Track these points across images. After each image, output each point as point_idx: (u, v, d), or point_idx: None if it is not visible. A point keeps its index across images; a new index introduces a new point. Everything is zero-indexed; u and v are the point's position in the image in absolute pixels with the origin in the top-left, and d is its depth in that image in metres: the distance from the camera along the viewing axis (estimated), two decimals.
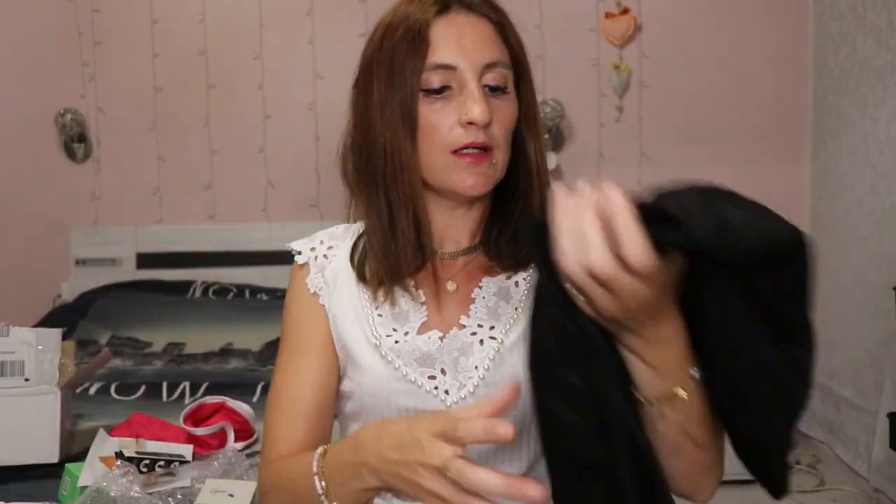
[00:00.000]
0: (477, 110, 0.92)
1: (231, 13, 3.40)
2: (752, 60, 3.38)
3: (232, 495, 1.34)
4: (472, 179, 0.94)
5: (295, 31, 3.39)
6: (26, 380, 1.53)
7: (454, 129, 0.94)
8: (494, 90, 0.95)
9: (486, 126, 0.93)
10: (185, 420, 1.69)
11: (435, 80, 0.94)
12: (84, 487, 1.37)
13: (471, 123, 0.93)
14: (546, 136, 3.30)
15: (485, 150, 0.94)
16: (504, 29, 0.98)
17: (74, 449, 1.64)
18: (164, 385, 2.24)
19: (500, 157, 0.96)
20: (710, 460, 0.86)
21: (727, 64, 3.38)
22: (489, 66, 0.94)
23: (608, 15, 3.32)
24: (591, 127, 3.42)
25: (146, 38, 3.36)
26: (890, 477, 2.77)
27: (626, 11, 3.32)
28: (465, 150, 0.94)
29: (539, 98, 1.12)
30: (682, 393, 0.77)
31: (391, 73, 0.95)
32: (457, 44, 0.94)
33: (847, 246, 3.09)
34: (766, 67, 3.39)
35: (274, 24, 3.39)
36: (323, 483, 0.87)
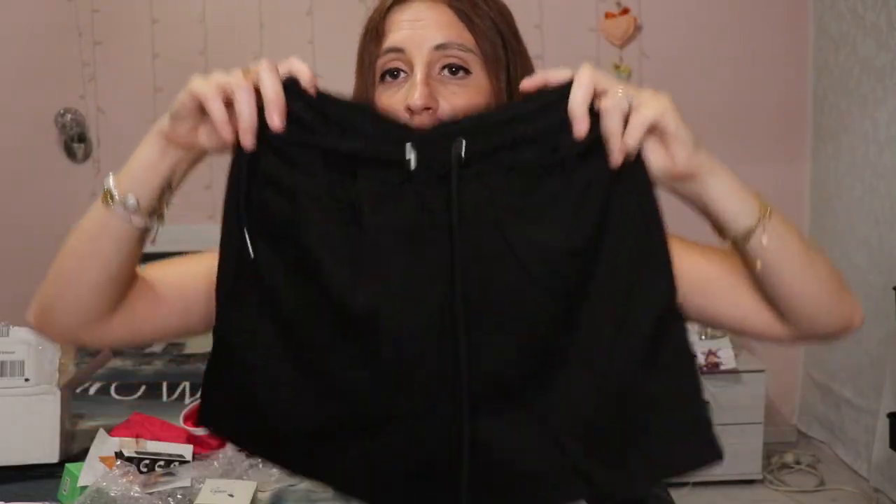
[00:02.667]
0: (414, 95, 0.87)
1: (231, 13, 3.40)
2: (753, 60, 3.38)
3: (232, 495, 1.34)
4: None
5: (295, 31, 3.39)
6: (26, 380, 1.53)
7: (403, 114, 0.89)
8: (455, 73, 0.90)
9: (431, 110, 0.88)
10: (185, 420, 1.69)
11: (386, 64, 0.91)
12: (84, 487, 1.37)
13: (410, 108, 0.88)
14: None
15: None
16: (466, 14, 0.92)
17: (74, 449, 1.64)
18: (164, 385, 2.24)
19: None
20: (836, 272, 0.86)
21: (727, 64, 3.38)
22: (440, 48, 0.89)
23: (608, 15, 3.32)
24: None
25: (146, 38, 3.36)
26: (890, 477, 2.77)
27: (626, 11, 3.32)
28: None
29: None
30: (767, 205, 0.79)
31: (360, 65, 0.95)
32: (409, 28, 0.90)
33: (847, 246, 3.09)
34: (766, 67, 3.39)
35: (274, 24, 3.39)
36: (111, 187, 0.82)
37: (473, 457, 0.78)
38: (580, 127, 0.74)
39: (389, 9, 0.93)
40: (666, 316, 0.78)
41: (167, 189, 0.82)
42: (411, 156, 0.75)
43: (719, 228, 0.81)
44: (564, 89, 0.74)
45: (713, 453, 0.79)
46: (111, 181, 0.82)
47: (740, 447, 2.96)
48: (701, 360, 2.96)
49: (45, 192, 3.38)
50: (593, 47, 3.35)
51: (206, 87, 0.77)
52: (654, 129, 0.75)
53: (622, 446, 0.79)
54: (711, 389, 2.95)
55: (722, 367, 2.95)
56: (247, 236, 0.78)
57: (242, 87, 0.76)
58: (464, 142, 0.75)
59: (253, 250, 0.79)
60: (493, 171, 0.75)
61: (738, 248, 0.82)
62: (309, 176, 0.77)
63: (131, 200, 0.81)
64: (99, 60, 3.36)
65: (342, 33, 3.39)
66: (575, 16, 3.29)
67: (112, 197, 0.81)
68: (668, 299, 0.78)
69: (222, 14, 3.39)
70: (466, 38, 0.90)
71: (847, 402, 3.09)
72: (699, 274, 0.88)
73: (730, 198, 0.79)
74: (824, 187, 3.29)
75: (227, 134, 0.77)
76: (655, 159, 0.77)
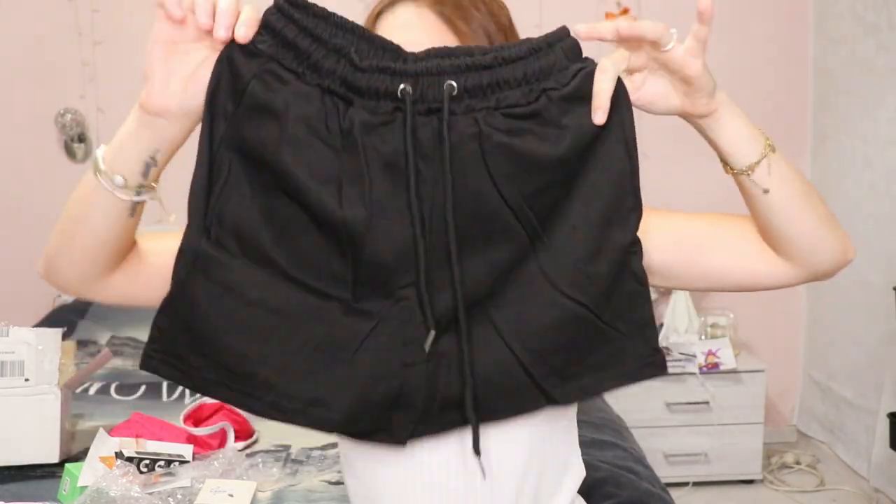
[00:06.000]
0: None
1: None
2: (752, 60, 3.38)
3: (232, 495, 1.34)
4: None
5: None
6: (26, 380, 1.53)
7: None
8: None
9: None
10: (185, 420, 1.70)
11: None
12: (84, 487, 1.37)
13: None
14: None
15: None
16: (451, 19, 0.92)
17: (74, 449, 1.65)
18: (164, 385, 2.23)
19: None
20: (830, 211, 0.92)
21: (727, 64, 3.38)
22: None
23: (608, 15, 3.32)
24: None
25: (146, 38, 3.35)
26: (890, 477, 2.77)
27: (626, 11, 3.32)
28: None
29: None
30: (770, 143, 0.86)
31: None
32: (398, 33, 0.89)
33: None
34: (766, 67, 3.39)
35: None
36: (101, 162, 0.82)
37: (436, 369, 0.83)
38: (599, 113, 0.80)
39: (379, 15, 0.95)
40: (630, 246, 0.84)
41: (151, 163, 0.83)
42: (407, 88, 0.78)
43: (724, 160, 0.86)
44: (554, 37, 0.83)
45: (658, 368, 0.88)
46: (100, 152, 0.83)
47: (740, 447, 2.96)
48: (701, 360, 2.95)
49: (45, 192, 3.38)
50: (593, 47, 3.34)
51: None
52: (678, 72, 0.81)
53: (576, 362, 0.86)
54: (711, 389, 2.95)
55: (722, 367, 2.95)
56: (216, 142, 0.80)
57: (225, 7, 0.77)
58: (454, 83, 0.79)
59: (228, 164, 0.81)
60: (482, 108, 0.80)
61: (740, 180, 0.87)
62: (303, 98, 0.79)
63: (118, 179, 0.82)
64: (99, 60, 3.36)
65: None
66: (575, 16, 3.28)
67: (99, 170, 0.82)
68: (634, 230, 0.84)
69: None
70: (451, 42, 0.91)
71: (847, 402, 3.09)
72: (698, 230, 0.93)
73: (737, 137, 0.85)
74: (824, 187, 3.29)
75: (206, 18, 0.77)
76: (672, 99, 0.83)
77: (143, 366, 0.85)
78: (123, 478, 1.32)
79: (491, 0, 0.97)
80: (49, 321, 2.88)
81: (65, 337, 1.61)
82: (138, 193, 0.83)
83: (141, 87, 0.80)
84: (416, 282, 0.81)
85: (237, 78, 0.78)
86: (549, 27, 0.88)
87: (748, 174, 0.85)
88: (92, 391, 2.19)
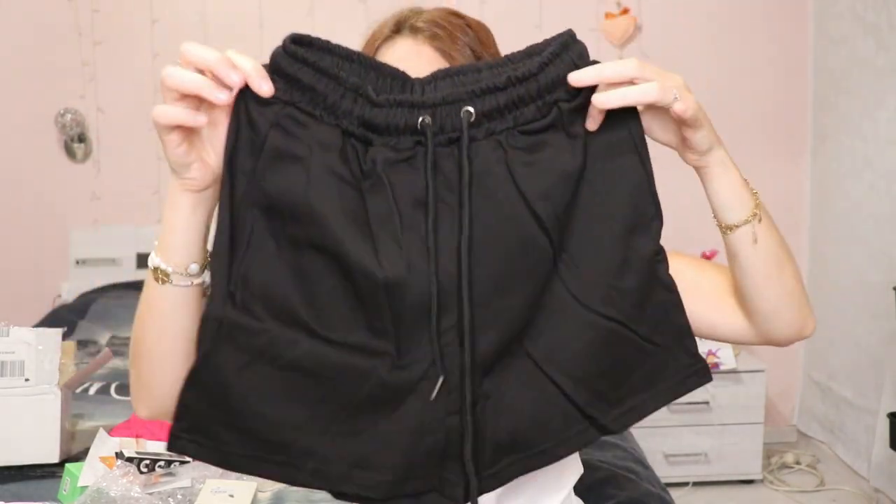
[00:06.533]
0: None
1: (231, 13, 3.40)
2: (752, 60, 3.38)
3: (232, 495, 1.34)
4: None
5: (295, 32, 3.39)
6: (26, 380, 1.53)
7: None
8: None
9: None
10: None
11: None
12: (84, 487, 1.37)
13: None
14: None
15: None
16: (446, 51, 0.96)
17: (74, 449, 1.65)
18: None
19: None
20: (801, 279, 0.93)
21: (727, 64, 3.38)
22: None
23: (608, 15, 3.32)
24: None
25: (146, 38, 3.36)
26: (890, 477, 2.77)
27: (626, 11, 3.32)
28: None
29: None
30: (758, 201, 0.87)
31: None
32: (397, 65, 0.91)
33: (847, 246, 3.09)
34: (766, 67, 3.39)
35: (274, 24, 3.39)
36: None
37: (483, 414, 0.79)
38: (593, 116, 0.78)
39: (378, 49, 0.98)
40: (656, 256, 0.82)
41: (207, 231, 0.81)
42: (426, 119, 0.76)
43: (713, 209, 0.88)
44: (560, 45, 0.78)
45: (702, 377, 0.85)
46: (157, 261, 0.80)
47: (740, 447, 2.96)
48: None
49: (45, 192, 3.38)
50: (593, 47, 3.32)
51: (174, 83, 0.73)
52: (680, 120, 0.80)
53: (620, 383, 0.82)
54: (711, 389, 2.95)
55: (722, 367, 2.95)
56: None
57: (218, 60, 0.73)
58: (472, 110, 0.77)
59: (252, 223, 0.76)
60: (503, 130, 0.78)
61: (722, 232, 0.89)
62: (324, 140, 0.76)
63: (192, 268, 0.80)
64: (99, 60, 3.36)
65: (342, 33, 3.39)
66: (575, 16, 3.29)
67: (167, 274, 0.79)
68: (658, 238, 0.82)
69: (222, 14, 3.39)
70: None
71: (847, 402, 3.09)
72: (678, 271, 0.91)
73: (723, 198, 0.86)
74: (824, 187, 3.29)
75: (230, 82, 0.73)
76: (670, 135, 0.84)
77: (171, 447, 0.78)
78: (123, 478, 1.31)
79: (478, 27, 1.01)
80: (49, 321, 2.88)
81: (65, 337, 1.61)
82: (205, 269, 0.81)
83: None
84: (457, 324, 0.76)
85: (255, 130, 0.75)
86: (549, 27, 0.87)
87: (726, 233, 0.88)
88: (92, 391, 2.19)
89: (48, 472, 1.53)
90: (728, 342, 0.99)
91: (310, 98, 0.76)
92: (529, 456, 0.81)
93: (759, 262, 0.88)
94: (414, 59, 0.95)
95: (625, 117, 0.80)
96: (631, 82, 0.76)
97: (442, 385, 0.77)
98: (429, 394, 0.77)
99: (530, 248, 0.78)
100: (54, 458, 1.55)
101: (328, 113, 0.76)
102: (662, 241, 0.83)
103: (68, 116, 3.34)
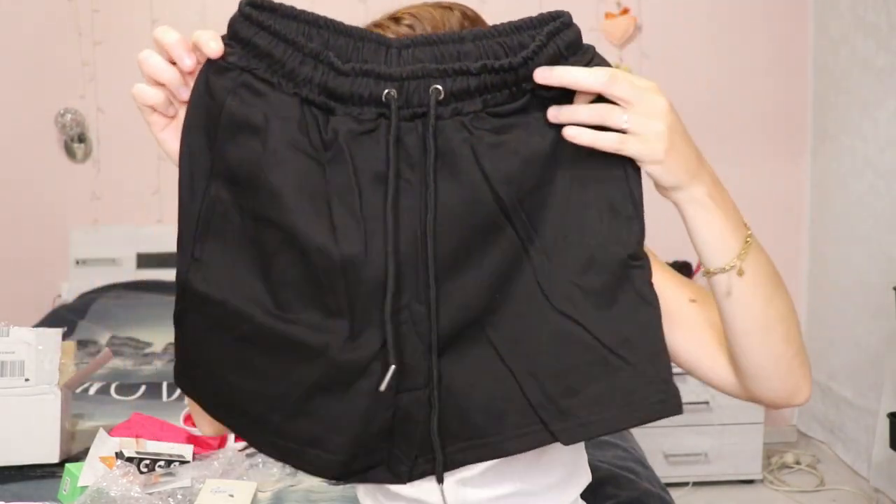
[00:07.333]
0: None
1: (231, 13, 3.39)
2: (752, 60, 3.38)
3: (232, 495, 1.34)
4: None
5: None
6: (26, 380, 1.53)
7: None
8: None
9: None
10: (185, 420, 1.70)
11: None
12: (84, 487, 1.37)
13: None
14: None
15: None
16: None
17: (74, 449, 1.64)
18: (164, 385, 2.23)
19: None
20: (798, 343, 0.82)
21: (727, 64, 3.38)
22: None
23: (608, 15, 3.32)
24: None
25: (146, 38, 3.35)
26: (890, 477, 2.77)
27: (626, 11, 3.32)
28: None
29: None
30: (749, 240, 0.77)
31: None
32: None
33: (847, 246, 3.09)
34: (766, 67, 3.39)
35: None
36: None
37: (441, 400, 0.77)
38: (570, 130, 0.74)
39: None
40: (631, 260, 0.76)
41: None
42: (392, 93, 0.73)
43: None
44: (553, 26, 0.75)
45: (671, 406, 0.77)
46: None
47: (740, 447, 2.96)
48: None
49: (44, 191, 3.38)
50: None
51: (147, 70, 0.74)
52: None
53: (573, 391, 0.77)
54: (711, 389, 2.94)
55: None
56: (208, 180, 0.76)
57: (174, 44, 0.73)
58: (440, 87, 0.73)
59: (213, 192, 0.76)
60: (470, 112, 0.74)
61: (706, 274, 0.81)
62: (282, 110, 0.73)
63: None
64: (99, 60, 3.36)
65: None
66: (575, 16, 3.25)
67: None
68: (636, 242, 0.77)
69: (222, 14, 3.35)
70: None
71: (847, 402, 3.09)
72: (676, 298, 0.87)
73: (702, 236, 0.77)
74: (824, 187, 3.29)
75: (183, 66, 0.73)
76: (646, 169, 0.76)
77: (176, 381, 0.83)
78: (123, 478, 1.31)
79: (464, 7, 0.97)
80: (49, 321, 2.88)
81: (65, 337, 1.61)
82: None
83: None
84: (408, 303, 0.75)
85: (213, 98, 0.73)
86: None
87: (705, 274, 0.80)
88: (92, 391, 2.19)
89: (48, 472, 1.53)
90: (717, 390, 0.89)
91: (267, 65, 0.73)
92: (477, 446, 0.79)
93: (736, 317, 0.79)
94: None
95: None
96: (600, 94, 0.72)
97: (393, 373, 0.75)
98: (381, 377, 0.75)
99: (491, 231, 0.75)
100: (54, 458, 1.55)
101: (287, 80, 0.73)
102: (662, 257, 0.79)
103: (68, 116, 3.34)
